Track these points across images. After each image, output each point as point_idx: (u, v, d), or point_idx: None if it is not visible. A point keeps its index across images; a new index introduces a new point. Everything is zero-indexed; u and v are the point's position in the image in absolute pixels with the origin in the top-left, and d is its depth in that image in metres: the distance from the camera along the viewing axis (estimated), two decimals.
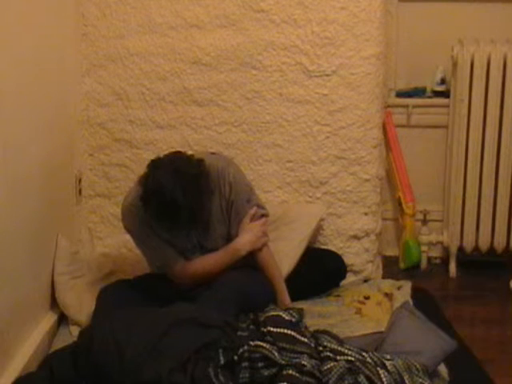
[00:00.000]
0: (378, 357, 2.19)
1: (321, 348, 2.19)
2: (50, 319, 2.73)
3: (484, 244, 3.47)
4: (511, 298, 3.25)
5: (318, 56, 3.13)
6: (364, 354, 2.19)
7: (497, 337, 2.91)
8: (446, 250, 3.56)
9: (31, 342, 2.51)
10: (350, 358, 2.15)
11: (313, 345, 2.19)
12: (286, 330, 2.21)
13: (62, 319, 2.80)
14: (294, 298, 2.77)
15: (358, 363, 2.13)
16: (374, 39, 3.13)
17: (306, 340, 2.19)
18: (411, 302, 2.77)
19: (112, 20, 3.16)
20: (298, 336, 2.20)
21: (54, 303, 2.81)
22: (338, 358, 2.15)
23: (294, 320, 2.29)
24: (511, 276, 3.33)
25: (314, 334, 2.28)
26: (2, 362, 2.28)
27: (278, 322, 2.25)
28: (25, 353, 2.43)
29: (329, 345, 2.20)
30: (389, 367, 2.14)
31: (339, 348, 2.19)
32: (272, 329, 2.21)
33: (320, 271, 2.99)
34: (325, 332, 2.33)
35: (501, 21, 3.51)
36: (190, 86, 3.18)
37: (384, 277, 3.34)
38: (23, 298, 2.48)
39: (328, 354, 2.16)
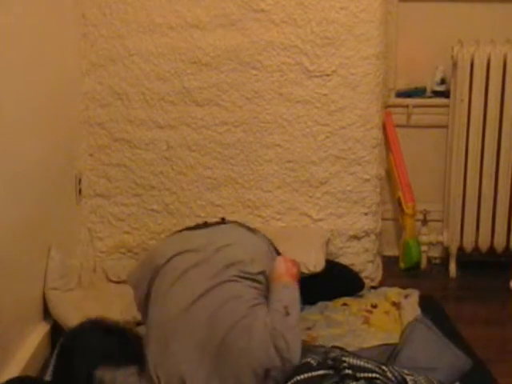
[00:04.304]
0: (399, 372, 2.10)
1: (338, 364, 2.08)
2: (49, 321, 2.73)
3: (484, 244, 3.47)
4: (511, 297, 3.26)
5: (318, 56, 3.13)
6: (384, 367, 2.11)
7: (497, 337, 2.91)
8: (446, 250, 3.55)
9: (30, 345, 2.51)
10: (370, 374, 2.05)
11: (330, 362, 2.09)
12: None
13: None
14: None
15: (378, 382, 2.04)
16: (374, 39, 3.13)
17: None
18: (420, 311, 2.75)
19: (112, 20, 3.16)
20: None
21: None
22: (358, 375, 2.06)
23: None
24: (511, 276, 3.33)
25: (328, 349, 2.21)
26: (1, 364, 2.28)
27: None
28: (22, 356, 2.43)
29: (347, 359, 2.10)
30: (409, 383, 2.07)
31: (358, 362, 2.10)
32: None
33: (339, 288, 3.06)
34: (337, 347, 2.28)
35: (501, 21, 3.51)
36: (190, 86, 3.18)
37: (384, 277, 3.35)
38: (22, 300, 2.48)
39: (348, 371, 2.05)
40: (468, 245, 3.48)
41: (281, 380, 2.02)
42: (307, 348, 2.17)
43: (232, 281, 2.17)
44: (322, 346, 2.28)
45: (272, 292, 2.20)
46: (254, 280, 2.21)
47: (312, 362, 2.07)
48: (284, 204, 3.25)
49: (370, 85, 3.16)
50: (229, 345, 2.05)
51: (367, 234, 3.27)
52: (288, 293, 2.19)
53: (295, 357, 2.03)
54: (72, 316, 2.68)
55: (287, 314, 2.10)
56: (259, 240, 2.45)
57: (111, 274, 3.22)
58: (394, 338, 2.57)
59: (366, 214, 3.26)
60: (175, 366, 2.06)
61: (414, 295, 3.00)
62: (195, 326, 2.10)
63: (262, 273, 2.25)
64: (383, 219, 3.45)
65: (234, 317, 2.08)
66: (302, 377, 2.01)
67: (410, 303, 2.90)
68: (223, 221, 2.68)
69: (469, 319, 3.02)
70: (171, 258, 2.26)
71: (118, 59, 3.18)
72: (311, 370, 2.02)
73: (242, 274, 2.19)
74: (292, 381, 2.00)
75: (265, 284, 2.24)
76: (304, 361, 2.07)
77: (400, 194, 3.51)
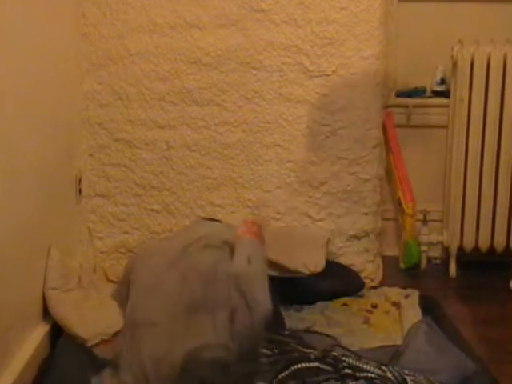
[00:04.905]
0: (399, 372, 2.12)
1: (339, 364, 2.11)
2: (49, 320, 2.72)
3: (484, 244, 3.47)
4: (511, 297, 3.25)
5: (318, 56, 3.13)
6: (384, 368, 2.12)
7: (497, 337, 2.90)
8: (446, 250, 3.55)
9: (30, 345, 2.50)
10: (370, 374, 2.08)
11: (331, 360, 2.12)
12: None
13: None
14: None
15: (378, 382, 2.06)
16: (374, 39, 3.13)
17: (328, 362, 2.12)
18: (420, 311, 2.75)
19: (112, 20, 3.16)
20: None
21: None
22: (358, 374, 2.08)
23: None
24: (511, 276, 3.33)
25: (331, 346, 2.23)
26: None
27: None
28: (22, 356, 2.42)
29: (347, 360, 2.13)
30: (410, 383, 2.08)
31: (357, 363, 2.12)
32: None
33: (339, 288, 3.09)
34: (341, 346, 2.29)
35: (501, 21, 3.51)
36: (190, 86, 3.18)
37: (384, 277, 3.34)
38: (22, 300, 2.47)
39: (347, 371, 2.08)
40: (468, 245, 3.48)
41: (250, 328, 2.08)
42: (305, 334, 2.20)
43: (198, 250, 2.33)
44: (328, 335, 2.28)
45: (235, 249, 2.35)
46: (218, 247, 2.37)
47: (311, 356, 2.08)
48: (284, 204, 3.25)
49: (370, 85, 3.16)
50: (197, 300, 2.16)
51: (367, 233, 3.27)
52: (248, 245, 2.36)
53: (262, 300, 2.10)
54: (72, 316, 2.68)
55: (249, 261, 2.25)
56: (226, 226, 2.65)
57: (111, 274, 3.22)
58: (394, 339, 2.57)
59: (366, 213, 3.26)
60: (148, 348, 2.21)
61: (414, 295, 3.00)
62: (169, 287, 2.24)
63: (226, 242, 2.42)
64: (383, 219, 3.45)
65: (201, 275, 2.22)
66: (299, 366, 2.03)
67: (410, 303, 2.90)
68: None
69: (469, 319, 3.01)
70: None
71: (118, 59, 3.18)
72: (309, 362, 2.04)
73: (208, 244, 2.36)
74: (289, 370, 2.02)
75: (228, 249, 2.40)
76: (302, 354, 2.09)
77: (400, 194, 3.51)
